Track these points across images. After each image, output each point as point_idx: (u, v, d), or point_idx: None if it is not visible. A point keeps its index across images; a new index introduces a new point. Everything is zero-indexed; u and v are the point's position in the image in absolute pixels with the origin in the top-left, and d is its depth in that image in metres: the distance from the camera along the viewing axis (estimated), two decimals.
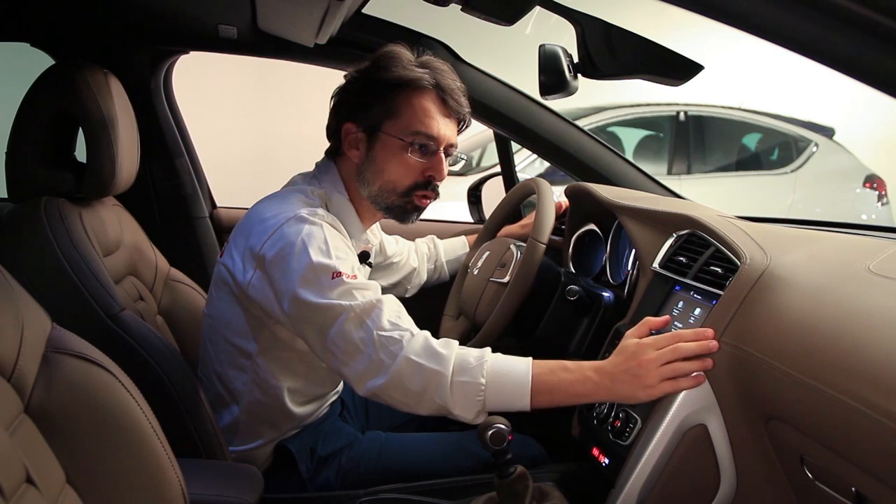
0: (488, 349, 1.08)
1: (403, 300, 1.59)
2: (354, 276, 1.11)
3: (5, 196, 1.31)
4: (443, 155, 1.25)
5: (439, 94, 1.23)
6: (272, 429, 1.29)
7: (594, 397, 1.03)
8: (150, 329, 1.22)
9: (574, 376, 1.03)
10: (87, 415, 0.82)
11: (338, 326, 1.07)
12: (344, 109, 1.27)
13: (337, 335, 1.07)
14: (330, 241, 1.12)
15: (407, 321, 1.10)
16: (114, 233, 1.37)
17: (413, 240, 1.73)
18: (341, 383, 1.44)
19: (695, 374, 0.96)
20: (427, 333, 1.08)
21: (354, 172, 1.27)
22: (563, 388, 1.02)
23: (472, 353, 1.06)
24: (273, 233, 1.13)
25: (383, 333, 1.06)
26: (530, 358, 1.06)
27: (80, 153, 1.35)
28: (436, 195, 1.28)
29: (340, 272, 1.09)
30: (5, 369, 0.76)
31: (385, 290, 1.62)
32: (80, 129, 1.30)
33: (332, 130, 1.29)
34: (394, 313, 1.09)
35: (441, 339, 1.07)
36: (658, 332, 1.05)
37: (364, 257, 1.36)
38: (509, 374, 1.03)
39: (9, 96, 1.42)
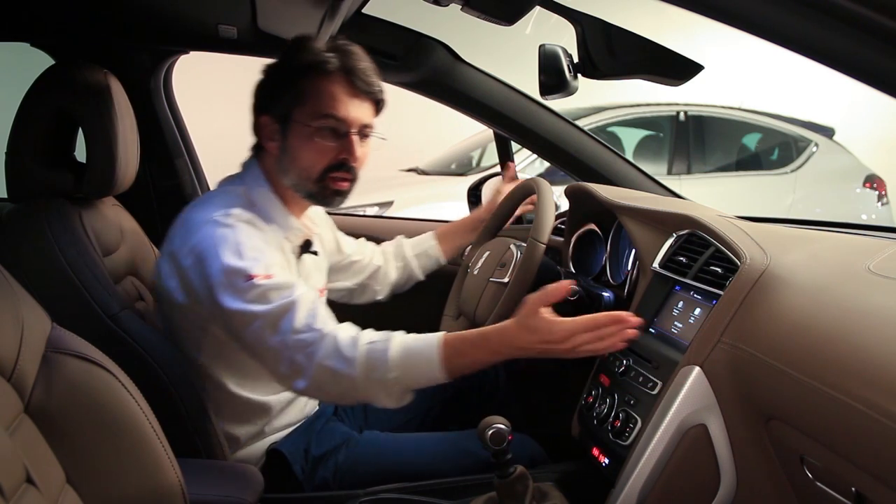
0: (396, 333, 1.11)
1: (404, 301, 1.60)
2: (269, 276, 1.11)
3: (5, 196, 1.31)
4: (355, 137, 1.24)
5: (347, 76, 1.22)
6: (248, 425, 1.29)
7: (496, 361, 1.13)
8: (150, 329, 1.22)
9: (482, 353, 1.10)
10: (87, 415, 0.82)
11: (255, 331, 1.10)
12: (259, 103, 1.28)
13: (255, 339, 1.10)
14: (243, 242, 1.13)
15: (321, 320, 1.11)
16: (114, 233, 1.37)
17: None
18: None
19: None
20: (337, 332, 1.09)
21: (275, 164, 1.27)
22: (473, 363, 1.11)
23: (377, 345, 1.09)
24: (189, 239, 1.16)
25: (297, 337, 1.08)
26: (440, 335, 1.10)
27: (80, 153, 1.35)
28: (353, 177, 1.26)
29: (253, 274, 1.10)
30: (5, 369, 0.76)
31: (353, 292, 1.62)
32: (80, 129, 1.30)
33: (253, 126, 1.30)
34: (308, 313, 1.10)
35: (350, 337, 1.09)
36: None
37: (307, 246, 1.35)
38: (418, 357, 1.08)
39: (9, 96, 1.42)
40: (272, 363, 1.11)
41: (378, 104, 1.29)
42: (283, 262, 1.23)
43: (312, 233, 1.39)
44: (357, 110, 1.24)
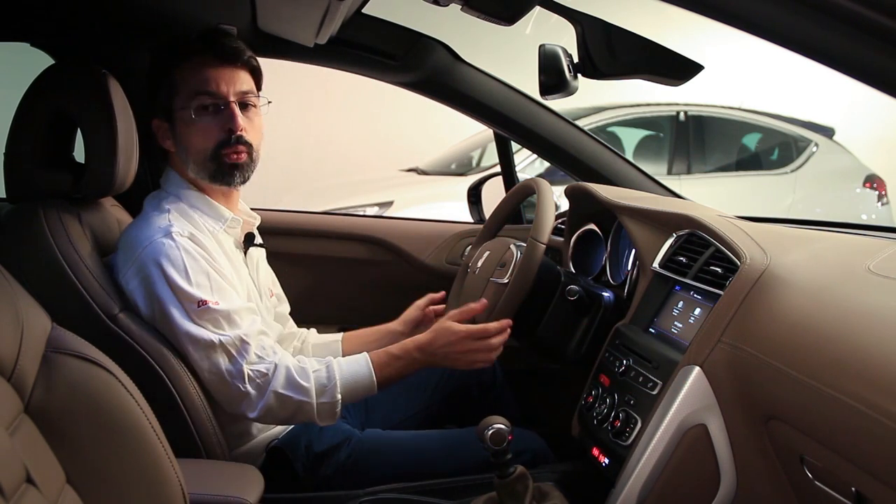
0: (330, 358, 1.22)
1: (404, 301, 1.60)
2: (216, 302, 1.14)
3: (4, 196, 1.31)
4: (235, 107, 1.23)
5: (210, 50, 1.22)
6: (244, 422, 1.28)
7: (418, 369, 1.26)
8: (150, 329, 1.22)
9: (404, 362, 1.24)
10: (88, 415, 0.82)
11: (207, 356, 1.13)
12: (148, 108, 1.29)
13: (206, 364, 1.14)
14: (189, 264, 1.15)
15: (271, 350, 1.17)
16: (113, 233, 1.37)
17: (415, 240, 1.71)
18: None
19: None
20: (288, 362, 1.17)
21: (180, 161, 1.28)
22: (398, 373, 1.24)
23: (321, 372, 1.19)
24: (131, 261, 1.18)
25: (252, 367, 1.13)
26: (365, 354, 1.23)
27: (80, 153, 1.35)
28: (247, 148, 1.25)
29: (205, 300, 1.13)
30: (5, 369, 0.76)
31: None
32: (79, 129, 1.30)
33: (152, 136, 1.31)
34: (260, 344, 1.16)
35: (300, 367, 1.18)
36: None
37: (249, 239, 1.35)
38: (357, 380, 1.21)
39: (8, 96, 1.42)
40: (222, 388, 1.15)
41: (253, 71, 1.28)
42: (231, 271, 1.23)
43: (252, 225, 1.38)
44: (229, 81, 1.23)
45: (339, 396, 1.18)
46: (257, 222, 1.40)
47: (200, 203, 1.27)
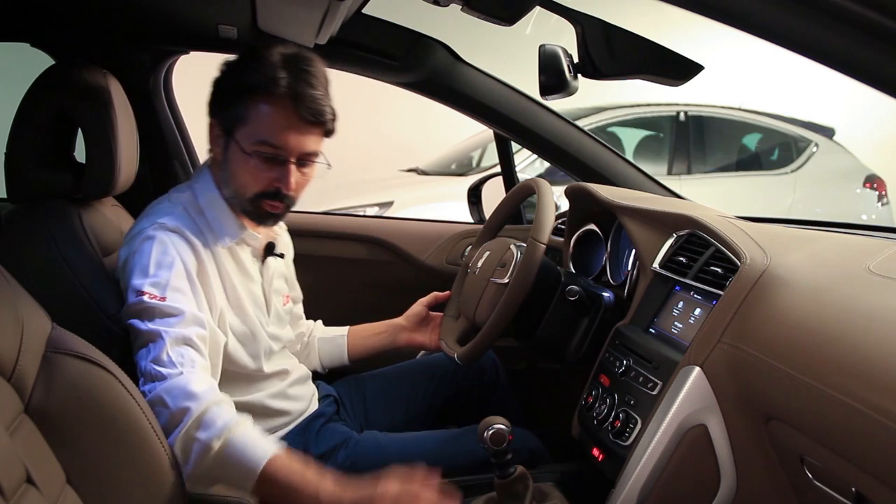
0: (243, 420, 1.03)
1: (404, 301, 1.59)
2: (160, 298, 1.09)
3: (5, 196, 1.31)
4: (294, 165, 1.19)
5: (293, 102, 1.15)
6: None
7: None
8: None
9: (307, 490, 0.97)
10: (87, 415, 0.82)
11: (134, 346, 1.09)
12: (211, 104, 1.25)
13: (134, 353, 1.09)
14: (153, 258, 1.12)
15: (187, 361, 1.05)
16: (113, 233, 1.37)
17: (415, 240, 1.71)
18: (296, 371, 1.43)
19: None
20: (190, 377, 1.03)
21: (218, 171, 1.25)
22: (290, 493, 0.98)
23: (226, 420, 1.00)
24: (124, 250, 1.18)
25: (153, 366, 1.05)
26: (276, 447, 1.01)
27: (80, 153, 1.35)
28: (285, 204, 1.22)
29: (144, 291, 1.10)
30: (5, 369, 0.76)
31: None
32: (80, 129, 1.30)
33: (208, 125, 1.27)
34: (178, 348, 1.06)
35: (217, 395, 1.04)
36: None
37: (270, 248, 1.33)
38: (243, 454, 0.98)
39: (9, 96, 1.42)
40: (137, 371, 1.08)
41: (327, 133, 1.23)
42: (217, 282, 1.21)
43: (274, 236, 1.37)
44: (299, 139, 1.18)
45: (215, 446, 0.98)
46: (282, 231, 1.39)
47: (220, 213, 1.24)
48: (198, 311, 1.13)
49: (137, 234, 1.17)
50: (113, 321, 1.17)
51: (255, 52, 1.19)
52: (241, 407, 1.28)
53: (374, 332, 1.55)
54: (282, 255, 1.38)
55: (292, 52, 1.19)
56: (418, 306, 1.53)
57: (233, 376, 1.25)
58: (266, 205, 1.21)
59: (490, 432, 0.97)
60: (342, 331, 1.56)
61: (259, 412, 1.30)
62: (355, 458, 1.31)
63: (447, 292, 1.53)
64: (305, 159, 1.21)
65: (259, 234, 1.30)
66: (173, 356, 1.06)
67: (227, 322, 1.23)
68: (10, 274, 0.84)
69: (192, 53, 1.84)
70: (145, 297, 1.09)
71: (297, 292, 1.50)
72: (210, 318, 1.16)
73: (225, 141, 1.21)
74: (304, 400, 1.41)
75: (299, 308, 1.51)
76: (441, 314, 1.51)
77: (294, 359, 1.46)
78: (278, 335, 1.36)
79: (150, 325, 1.08)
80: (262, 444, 1.01)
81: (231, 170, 1.21)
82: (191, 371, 1.05)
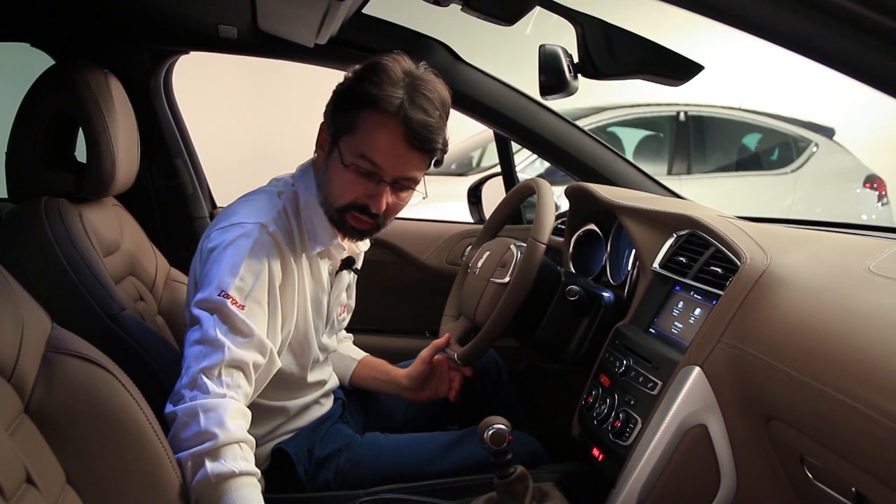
0: (254, 480, 0.98)
1: (404, 301, 1.59)
2: (241, 307, 1.06)
3: (5, 196, 1.31)
4: (389, 187, 1.15)
5: (403, 125, 1.11)
6: (259, 427, 1.26)
7: None
8: (150, 329, 1.22)
9: None
10: (88, 415, 0.82)
11: (190, 337, 1.05)
12: (328, 106, 1.22)
13: (188, 341, 1.06)
14: (247, 259, 1.09)
15: (234, 386, 1.03)
16: (114, 233, 1.37)
17: (415, 240, 1.70)
18: (330, 380, 1.43)
19: None
20: (227, 405, 1.00)
21: (319, 174, 1.22)
22: None
23: (240, 468, 0.96)
24: (214, 234, 1.14)
25: (202, 376, 1.01)
26: None
27: (81, 153, 1.35)
28: (375, 223, 1.19)
29: (228, 294, 1.06)
30: (5, 369, 0.76)
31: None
32: (80, 129, 1.30)
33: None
34: (232, 371, 1.04)
35: (244, 434, 1.00)
36: None
37: (349, 263, 1.32)
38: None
39: (9, 96, 1.42)
40: (182, 366, 1.05)
41: (434, 161, 1.20)
42: (293, 294, 1.18)
43: (357, 252, 1.35)
44: (400, 161, 1.14)
45: (214, 482, 0.94)
46: (365, 247, 1.37)
47: (313, 215, 1.21)
48: (265, 337, 1.09)
49: (237, 226, 1.13)
50: (113, 321, 1.17)
51: (378, 65, 1.15)
52: (274, 410, 1.29)
53: (381, 378, 1.51)
54: (357, 272, 1.36)
55: (415, 73, 1.16)
56: (420, 364, 1.44)
57: (275, 381, 1.20)
58: (351, 217, 1.18)
59: (490, 432, 0.97)
60: (356, 355, 1.54)
61: (289, 415, 1.31)
62: (356, 459, 1.32)
63: (447, 336, 1.45)
64: (403, 183, 1.17)
65: (346, 247, 1.28)
66: (224, 376, 1.03)
67: (288, 330, 1.21)
68: (10, 273, 0.84)
69: (192, 53, 1.84)
70: (228, 301, 1.06)
71: (353, 302, 1.47)
72: (274, 341, 1.13)
73: (330, 146, 1.18)
74: (327, 408, 1.41)
75: (347, 316, 1.49)
76: (444, 356, 1.45)
77: (330, 367, 1.46)
78: (327, 346, 1.36)
79: (219, 332, 1.04)
80: None
81: (328, 175, 1.18)
82: (233, 398, 1.02)
